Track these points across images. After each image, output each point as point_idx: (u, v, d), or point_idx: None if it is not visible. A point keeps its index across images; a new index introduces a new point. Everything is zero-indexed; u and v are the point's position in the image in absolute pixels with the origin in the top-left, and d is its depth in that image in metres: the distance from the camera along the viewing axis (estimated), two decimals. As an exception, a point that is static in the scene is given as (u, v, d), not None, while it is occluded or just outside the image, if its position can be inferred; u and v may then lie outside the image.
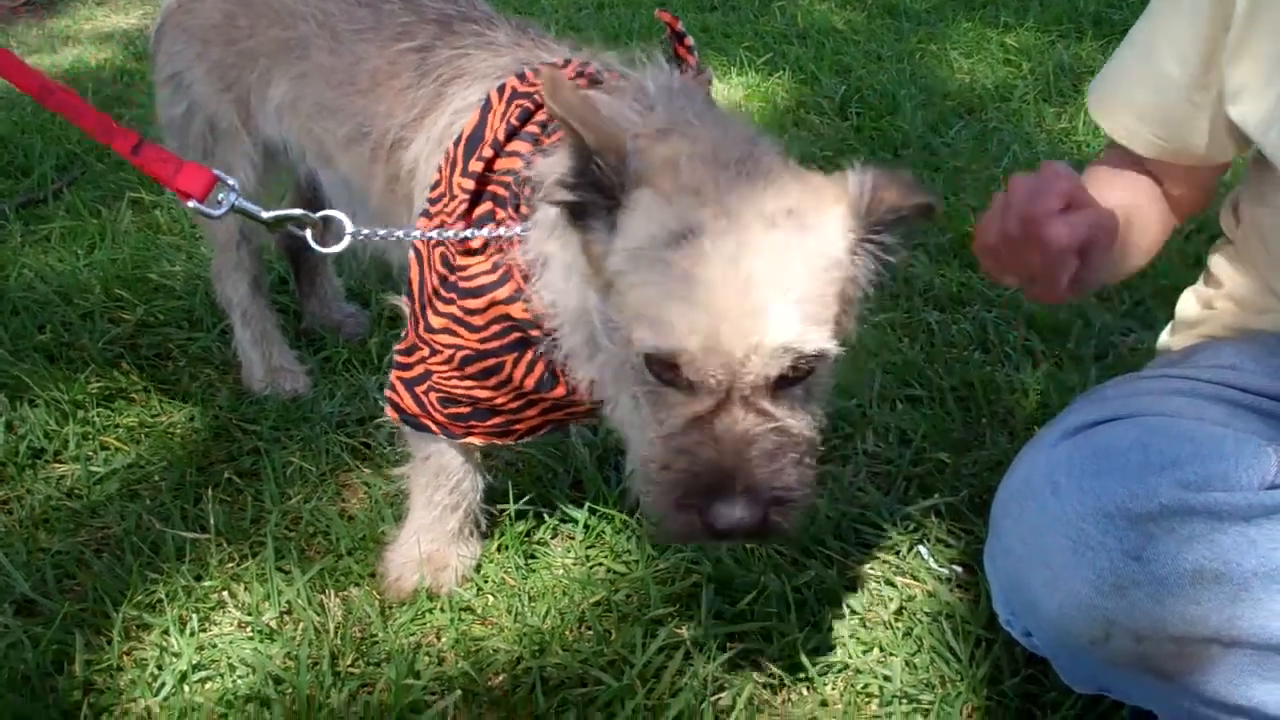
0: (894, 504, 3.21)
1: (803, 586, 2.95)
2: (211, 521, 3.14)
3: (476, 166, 2.54)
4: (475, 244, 2.53)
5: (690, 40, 2.51)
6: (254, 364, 3.81)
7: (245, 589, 2.96)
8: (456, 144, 2.61)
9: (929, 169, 5.28)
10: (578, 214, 2.21)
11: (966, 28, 7.28)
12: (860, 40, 7.12)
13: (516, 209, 2.49)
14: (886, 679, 2.70)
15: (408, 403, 2.78)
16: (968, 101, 6.17)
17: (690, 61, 2.53)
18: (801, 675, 2.73)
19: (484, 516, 3.08)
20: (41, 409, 3.61)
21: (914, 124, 5.74)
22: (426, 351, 2.68)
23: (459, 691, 2.61)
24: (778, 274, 2.01)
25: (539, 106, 2.54)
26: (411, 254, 2.68)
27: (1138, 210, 2.66)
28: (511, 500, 3.17)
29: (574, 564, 3.05)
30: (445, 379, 2.68)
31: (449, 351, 2.63)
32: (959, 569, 3.02)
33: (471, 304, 2.56)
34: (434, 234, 2.55)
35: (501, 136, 2.54)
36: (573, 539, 3.14)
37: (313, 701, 2.63)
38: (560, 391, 2.64)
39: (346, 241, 2.68)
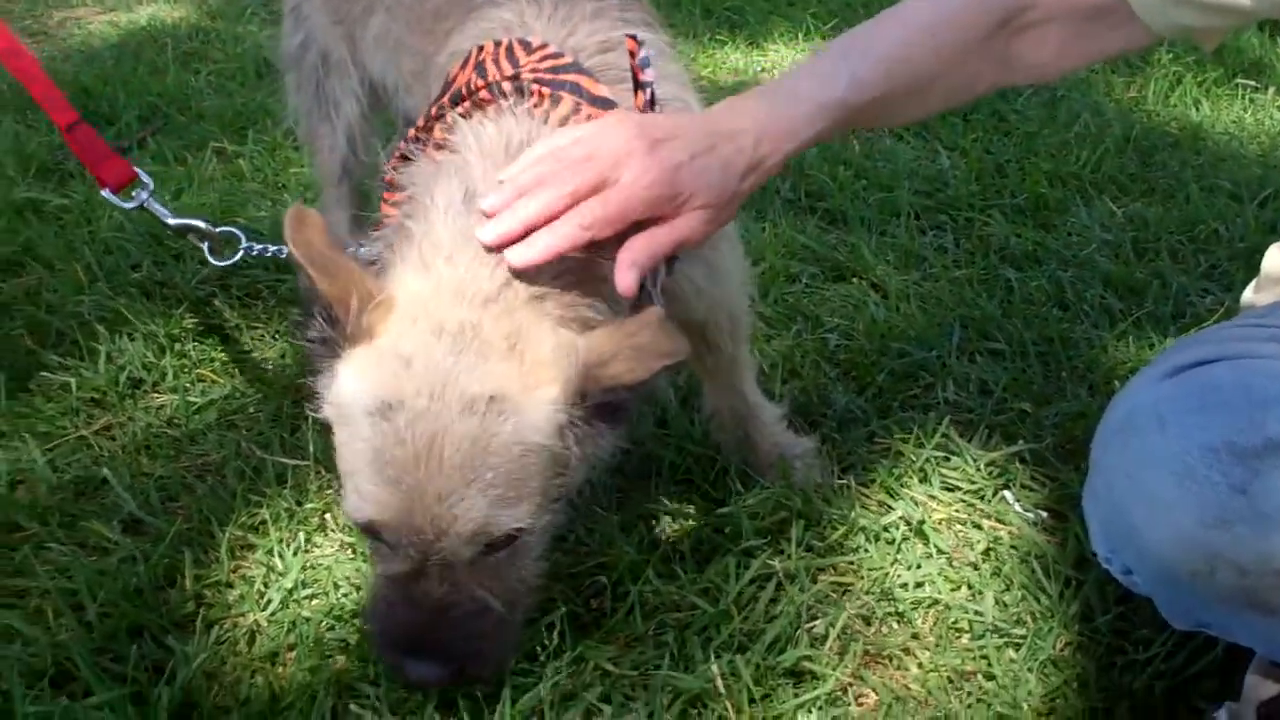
0: (977, 450, 3.23)
1: (890, 525, 2.99)
2: (310, 449, 3.20)
3: (407, 139, 2.49)
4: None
5: (646, 74, 2.37)
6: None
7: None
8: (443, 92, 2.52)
9: (999, 133, 5.30)
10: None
11: (1032, 2, 7.25)
12: (926, 12, 7.09)
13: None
14: (978, 615, 2.73)
15: None
16: (1036, 69, 6.16)
17: (638, 99, 2.39)
18: (892, 609, 2.77)
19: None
20: (139, 342, 3.68)
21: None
22: None
23: (563, 609, 2.66)
24: (470, 461, 2.03)
25: (474, 90, 2.40)
26: None
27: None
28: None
29: (663, 497, 3.09)
30: None
31: None
32: (1044, 514, 3.04)
33: None
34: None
35: (422, 119, 2.46)
36: (660, 475, 3.18)
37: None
38: None
39: (239, 255, 2.84)
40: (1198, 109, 5.69)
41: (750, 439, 3.19)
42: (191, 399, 3.47)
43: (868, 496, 3.10)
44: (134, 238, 4.25)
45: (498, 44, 2.47)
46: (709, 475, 3.18)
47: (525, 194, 2.15)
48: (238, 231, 2.80)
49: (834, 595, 2.80)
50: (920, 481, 3.15)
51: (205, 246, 2.81)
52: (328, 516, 3.02)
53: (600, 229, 2.14)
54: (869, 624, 2.75)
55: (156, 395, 3.52)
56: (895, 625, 2.76)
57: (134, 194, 2.85)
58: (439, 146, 2.38)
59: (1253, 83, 5.97)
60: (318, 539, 2.96)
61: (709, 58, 6.45)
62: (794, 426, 3.31)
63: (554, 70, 2.40)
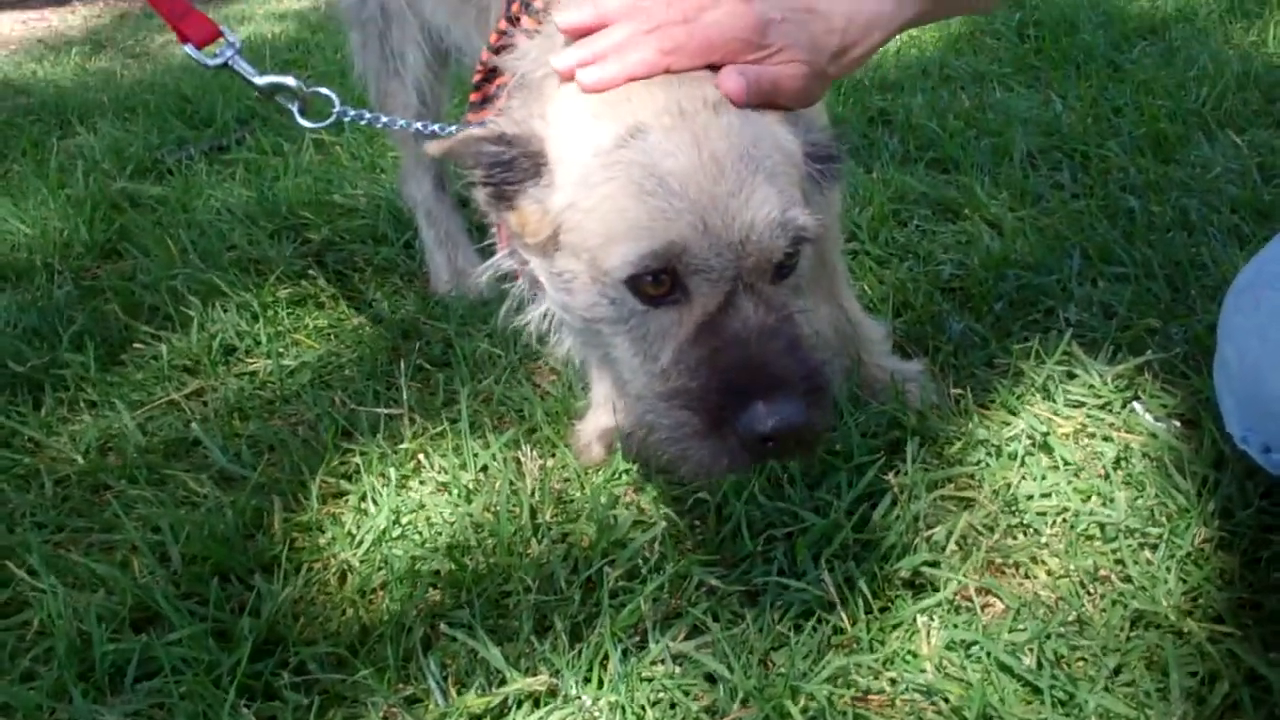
0: (1102, 366, 3.06)
1: (1011, 439, 2.82)
2: (405, 397, 3.10)
3: (492, 37, 2.35)
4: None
5: None
6: (439, 266, 3.79)
7: (441, 456, 2.91)
8: None
9: (1113, 80, 5.12)
10: (504, 196, 2.07)
11: (1142, -39, 7.06)
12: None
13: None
14: (1109, 518, 2.56)
15: None
16: (1149, 22, 5.97)
17: None
18: (1017, 520, 2.61)
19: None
20: (233, 312, 3.62)
21: (1097, 41, 5.56)
22: None
23: (663, 523, 2.53)
24: (745, 152, 1.90)
25: None
26: None
27: None
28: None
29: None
30: None
31: None
32: (1177, 423, 2.86)
33: None
34: (418, 125, 2.51)
35: (516, 6, 2.32)
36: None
37: (513, 548, 2.58)
38: None
39: (332, 120, 2.61)
40: (1322, 47, 5.45)
41: (859, 359, 3.04)
42: (285, 363, 3.40)
43: (988, 415, 2.94)
44: (229, 220, 4.21)
45: None
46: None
47: (608, 21, 2.05)
48: (331, 94, 2.66)
49: (953, 508, 2.64)
50: (1044, 399, 2.98)
51: (295, 108, 2.68)
52: (421, 458, 2.92)
53: (680, 58, 2.01)
54: (992, 532, 2.58)
55: (250, 361, 3.46)
56: (1021, 536, 2.59)
57: (217, 52, 2.71)
58: (538, 23, 2.26)
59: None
60: (412, 482, 2.86)
61: None
62: (907, 354, 3.16)
63: None
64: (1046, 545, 2.54)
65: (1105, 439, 2.84)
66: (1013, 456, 2.77)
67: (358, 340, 3.50)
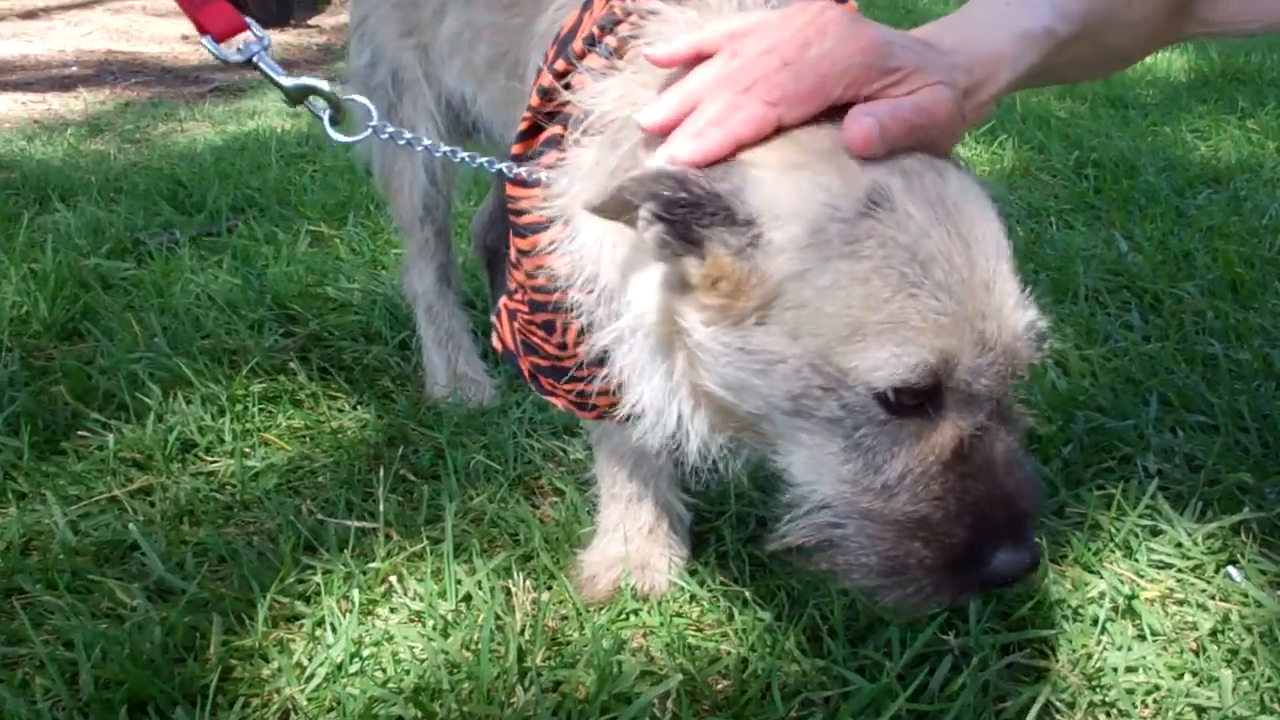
0: (1191, 524, 2.64)
1: (1089, 601, 2.40)
2: (381, 510, 2.68)
3: (546, 80, 2.04)
4: (526, 174, 2.04)
5: None
6: (437, 368, 3.40)
7: (417, 580, 2.48)
8: (553, 44, 2.12)
9: (1179, 224, 4.74)
10: (688, 238, 1.70)
11: (1201, 110, 6.74)
12: (1085, 122, 6.61)
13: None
14: (1210, 701, 2.13)
15: (506, 335, 2.33)
16: (1212, 171, 5.61)
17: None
18: (1100, 696, 2.18)
19: (691, 514, 2.62)
20: (197, 404, 3.21)
21: (1160, 185, 5.21)
22: (513, 284, 2.22)
23: (677, 676, 2.09)
24: (987, 229, 1.64)
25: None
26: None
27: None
28: (733, 503, 2.68)
29: (802, 571, 2.52)
30: (526, 320, 2.21)
31: (520, 292, 2.17)
32: (1279, 593, 2.44)
33: (522, 244, 2.09)
34: (461, 155, 2.17)
35: (579, 47, 2.02)
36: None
37: (494, 695, 2.13)
38: None
39: (367, 134, 2.25)
40: (1401, 205, 5.08)
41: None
42: (250, 464, 2.97)
43: (1061, 571, 2.52)
44: (208, 307, 3.80)
45: None
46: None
47: (694, 101, 1.72)
48: (367, 103, 2.28)
49: (1025, 679, 2.20)
50: (1125, 556, 2.59)
51: (325, 117, 2.29)
52: (394, 580, 2.49)
53: (791, 107, 1.67)
54: (1073, 710, 2.15)
55: (210, 459, 3.03)
56: (1105, 717, 2.15)
57: (239, 47, 2.33)
58: (619, 52, 1.96)
59: None
60: (381, 609, 2.44)
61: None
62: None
63: None
64: (1139, 730, 2.11)
65: (1200, 607, 2.42)
66: (1094, 622, 2.36)
67: (336, 445, 3.09)
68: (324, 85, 2.29)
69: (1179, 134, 6.31)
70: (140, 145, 6.23)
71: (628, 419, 2.03)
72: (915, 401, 1.63)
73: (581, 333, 2.05)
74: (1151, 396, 3.24)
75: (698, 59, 1.77)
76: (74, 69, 8.37)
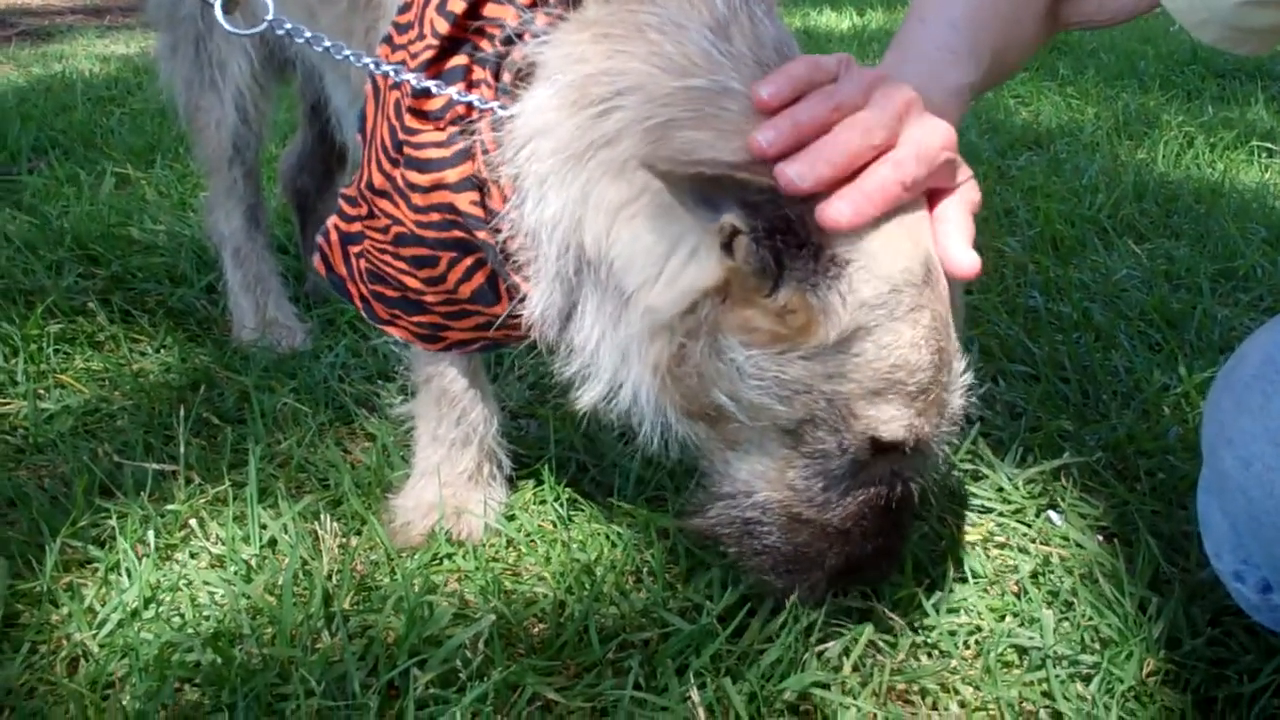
0: (1012, 469, 2.64)
1: (913, 546, 2.37)
2: (182, 453, 2.55)
3: (458, 5, 1.92)
4: (432, 105, 1.94)
5: None
6: (245, 312, 3.25)
7: (220, 525, 2.37)
8: None
9: (1001, 182, 4.77)
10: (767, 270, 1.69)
11: (1023, 78, 6.82)
12: (909, 84, 6.66)
13: (497, 75, 1.92)
14: (1031, 641, 2.12)
15: (337, 259, 2.22)
16: (1034, 135, 5.68)
17: None
18: (922, 639, 2.15)
19: (510, 460, 2.52)
20: (-14, 344, 3.04)
21: (983, 145, 5.24)
22: (364, 210, 2.10)
23: (490, 618, 2.01)
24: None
25: None
26: (368, 86, 2.10)
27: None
28: (552, 446, 2.60)
29: (627, 515, 2.45)
30: (378, 250, 2.10)
31: (385, 221, 2.05)
32: (1099, 537, 2.43)
33: (414, 177, 1.97)
34: (384, 67, 1.97)
35: None
36: (625, 489, 2.55)
37: (297, 639, 2.03)
38: (500, 309, 2.06)
39: (262, 27, 2.13)
40: (1213, 169, 5.16)
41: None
42: (44, 406, 2.82)
43: (883, 515, 2.47)
44: (4, 247, 3.62)
45: None
46: (683, 487, 2.53)
47: (809, 130, 1.68)
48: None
49: (847, 621, 2.16)
50: (948, 500, 2.53)
51: (217, 3, 2.16)
52: (194, 524, 2.37)
53: (917, 193, 1.75)
54: (895, 651, 2.10)
55: (1, 401, 2.86)
56: (927, 658, 2.12)
57: None
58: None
59: (1269, 144, 5.46)
60: (180, 554, 2.31)
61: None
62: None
63: None
64: (957, 671, 2.08)
65: (1021, 550, 2.42)
66: (915, 568, 2.31)
67: (137, 388, 2.94)
68: None
69: (1002, 99, 6.39)
70: (-64, 82, 5.97)
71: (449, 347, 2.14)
72: (890, 449, 1.78)
73: (492, 276, 2.02)
74: (974, 345, 3.23)
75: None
76: None
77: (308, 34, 2.12)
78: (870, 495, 1.87)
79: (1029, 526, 2.49)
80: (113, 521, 2.37)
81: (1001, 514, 2.53)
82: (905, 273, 1.70)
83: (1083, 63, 7.32)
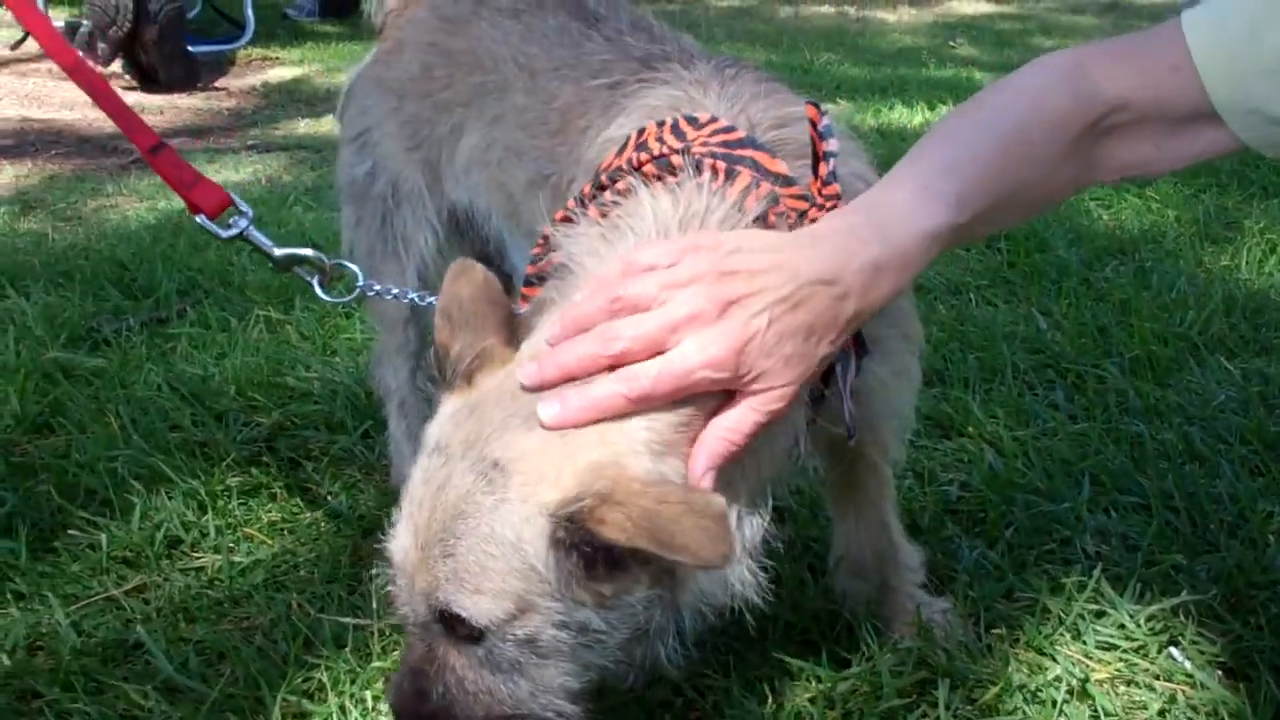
0: (1133, 605, 2.83)
1: (1046, 685, 2.58)
2: (374, 607, 2.80)
3: (558, 214, 2.26)
4: None
5: (829, 145, 2.12)
6: (406, 459, 3.49)
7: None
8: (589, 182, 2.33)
9: (1091, 298, 4.96)
10: None
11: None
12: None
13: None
14: (1167, 782, 2.31)
15: None
16: (1117, 242, 5.84)
17: (821, 171, 2.13)
18: (1065, 776, 2.35)
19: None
20: (178, 500, 3.31)
21: (1070, 259, 5.43)
22: None
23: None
24: (450, 522, 1.87)
25: (639, 165, 2.20)
26: None
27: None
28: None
29: (783, 656, 2.67)
30: None
31: None
32: (1219, 673, 2.63)
33: None
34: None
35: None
36: (776, 635, 2.77)
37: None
38: None
39: (356, 294, 2.58)
40: (1299, 275, 5.34)
41: (888, 587, 2.80)
42: (236, 559, 3.08)
43: (1017, 655, 2.69)
44: (172, 399, 3.90)
45: (661, 123, 2.23)
46: (831, 633, 2.76)
47: (571, 334, 1.92)
48: (353, 266, 2.57)
49: (990, 762, 2.37)
50: (1074, 638, 2.74)
51: (315, 281, 2.50)
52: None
53: (645, 405, 1.87)
54: (1041, 793, 2.31)
55: (196, 555, 3.14)
56: (1071, 797, 2.32)
57: (231, 222, 2.54)
58: (604, 214, 2.16)
59: (1354, 253, 5.62)
60: (382, 706, 2.54)
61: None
62: (924, 585, 2.90)
63: (727, 145, 2.15)
64: (1101, 812, 2.27)
65: (1148, 687, 2.61)
66: (1052, 704, 2.53)
67: (314, 537, 3.20)
68: (311, 253, 2.48)
69: (1082, 203, 6.52)
70: (73, 223, 6.26)
71: None
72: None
73: None
74: (1084, 478, 3.43)
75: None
76: (-8, 139, 8.39)
77: (394, 291, 2.61)
78: None
79: (1152, 663, 2.66)
80: (319, 675, 2.61)
81: (1125, 651, 2.70)
82: (426, 439, 2.02)
83: (1159, 163, 7.43)
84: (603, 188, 2.19)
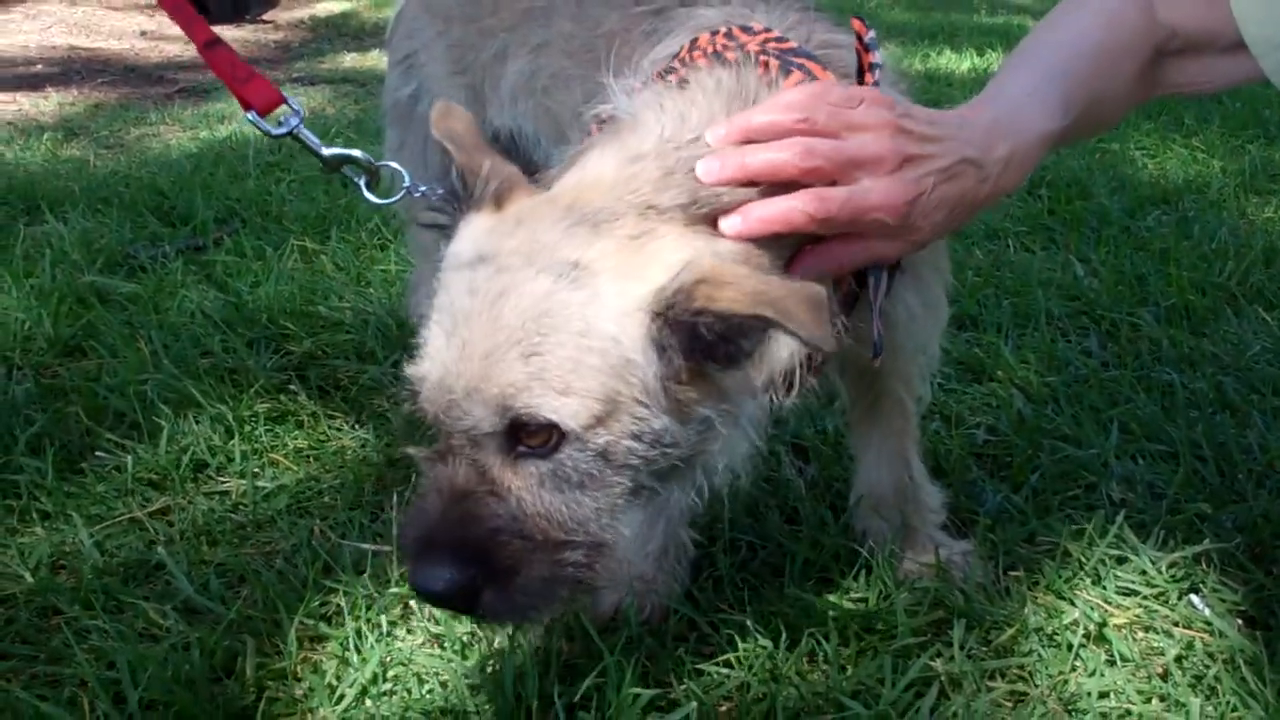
0: (1155, 552, 2.81)
1: (1065, 629, 2.57)
2: (394, 534, 2.81)
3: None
4: None
5: (875, 56, 2.15)
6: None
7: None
8: None
9: (1131, 246, 4.92)
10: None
11: (1148, 128, 6.91)
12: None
13: None
14: (1183, 727, 2.30)
15: None
16: (1160, 191, 5.78)
17: (866, 81, 2.15)
18: (1078, 719, 2.34)
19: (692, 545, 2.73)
20: (206, 424, 3.34)
21: (1111, 207, 5.38)
22: None
23: (694, 704, 2.24)
24: (526, 321, 1.79)
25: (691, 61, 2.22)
26: None
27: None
28: (726, 529, 2.83)
29: (799, 592, 2.67)
30: None
31: None
32: (1239, 621, 2.61)
33: None
34: None
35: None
36: (793, 572, 2.77)
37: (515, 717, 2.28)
38: None
39: (401, 195, 2.53)
40: (1341, 230, 5.28)
41: (909, 527, 2.80)
42: (261, 484, 3.10)
43: (1035, 598, 2.67)
44: (204, 325, 3.92)
45: (714, 31, 2.25)
46: (850, 571, 2.75)
47: (756, 136, 1.94)
48: (401, 169, 2.54)
49: (1006, 703, 2.36)
50: (1094, 583, 2.73)
51: (362, 182, 2.51)
52: (412, 604, 2.62)
53: (823, 227, 1.94)
54: (1053, 735, 2.30)
55: (222, 480, 3.16)
56: (1084, 741, 2.31)
57: (281, 120, 2.54)
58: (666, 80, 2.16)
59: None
60: (399, 631, 2.56)
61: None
62: (945, 526, 2.89)
63: (781, 51, 2.16)
64: (1113, 755, 2.27)
65: (1165, 633, 2.59)
66: (1068, 647, 2.51)
67: (340, 465, 3.22)
68: (360, 154, 2.47)
69: (1127, 151, 6.47)
70: (116, 151, 6.30)
71: None
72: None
73: None
74: (1113, 425, 3.41)
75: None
76: (39, 67, 8.42)
77: (441, 189, 2.43)
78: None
79: (1172, 610, 2.65)
80: (338, 599, 2.63)
81: (1145, 597, 2.69)
82: (454, 255, 1.97)
83: (1208, 111, 7.35)
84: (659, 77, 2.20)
